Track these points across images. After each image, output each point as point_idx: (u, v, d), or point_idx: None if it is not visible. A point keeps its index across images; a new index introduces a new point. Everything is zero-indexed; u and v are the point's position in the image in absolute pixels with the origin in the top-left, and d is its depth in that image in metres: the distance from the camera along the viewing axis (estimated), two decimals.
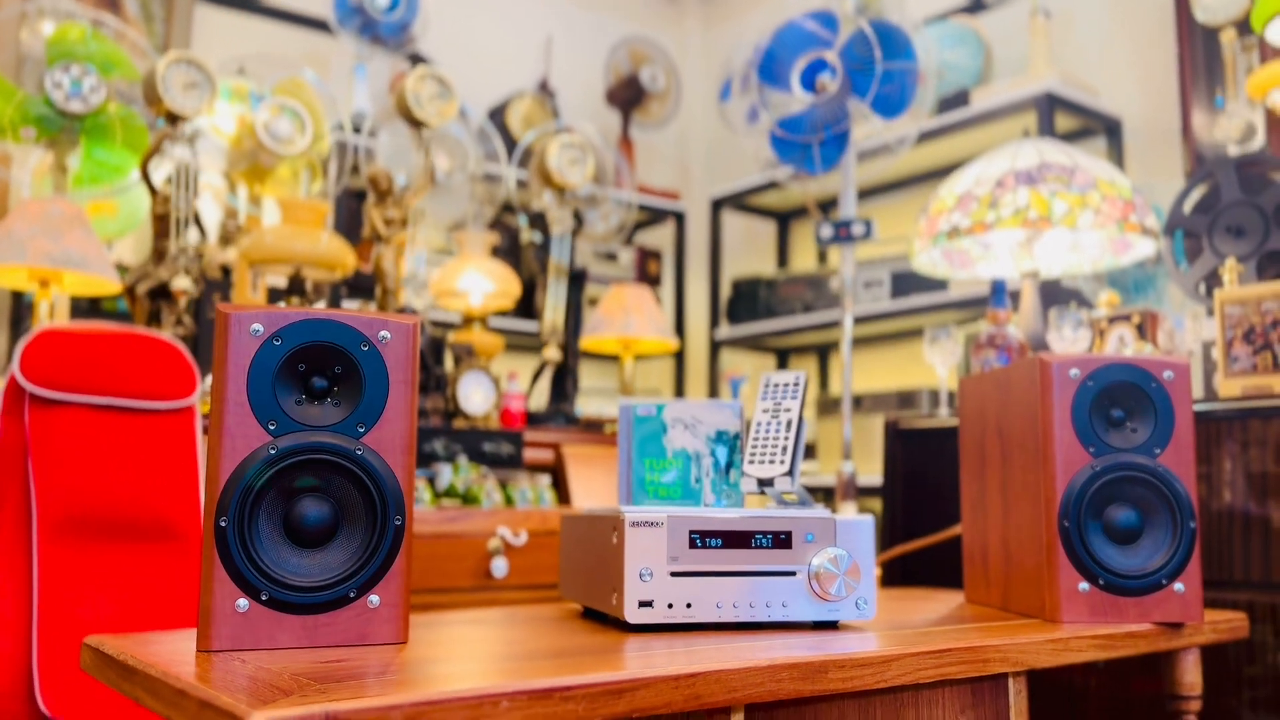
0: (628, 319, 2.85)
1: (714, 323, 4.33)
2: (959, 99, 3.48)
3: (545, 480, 2.35)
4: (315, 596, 0.90)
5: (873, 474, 3.39)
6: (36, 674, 1.75)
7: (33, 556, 1.84)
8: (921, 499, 2.13)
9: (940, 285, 3.55)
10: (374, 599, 0.92)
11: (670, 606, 1.02)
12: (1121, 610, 1.15)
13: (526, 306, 3.41)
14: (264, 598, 0.89)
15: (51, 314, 2.18)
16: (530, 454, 2.55)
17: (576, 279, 2.90)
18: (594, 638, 0.97)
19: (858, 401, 3.83)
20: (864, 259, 3.81)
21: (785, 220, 4.57)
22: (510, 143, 3.61)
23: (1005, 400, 1.27)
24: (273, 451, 0.90)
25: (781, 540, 1.06)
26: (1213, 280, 1.97)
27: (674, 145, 4.94)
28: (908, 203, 4.02)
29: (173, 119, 2.28)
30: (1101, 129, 3.44)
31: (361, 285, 3.38)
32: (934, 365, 2.14)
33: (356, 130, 3.10)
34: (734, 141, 4.74)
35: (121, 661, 0.86)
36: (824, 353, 4.38)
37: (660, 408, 1.27)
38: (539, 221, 2.94)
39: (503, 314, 3.26)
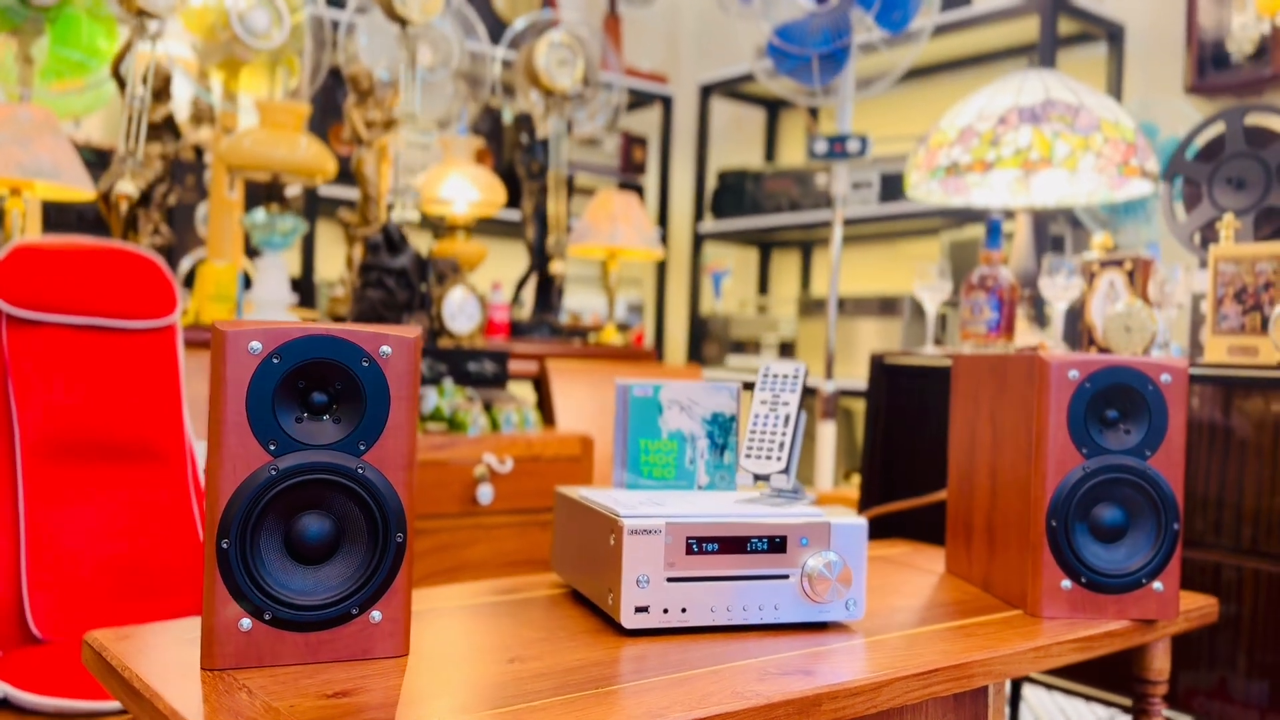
0: (614, 228, 2.80)
1: (698, 215, 4.27)
2: None
3: (530, 401, 2.35)
4: (318, 615, 0.91)
5: (849, 378, 3.42)
6: (27, 597, 1.77)
7: (17, 479, 1.83)
8: (903, 433, 2.16)
9: None
10: (376, 615, 0.93)
11: (665, 612, 1.04)
12: (1101, 607, 1.18)
13: (510, 197, 3.34)
14: (267, 617, 0.89)
15: (24, 223, 2.11)
16: (515, 365, 2.54)
17: (565, 186, 2.84)
18: (590, 649, 0.99)
19: (840, 304, 3.83)
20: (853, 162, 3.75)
21: (775, 109, 4.47)
22: (494, 21, 3.47)
23: (1000, 389, 1.27)
24: (274, 472, 0.89)
25: (776, 544, 1.07)
26: (1208, 231, 1.96)
27: (663, 23, 4.77)
28: (900, 99, 3.93)
29: (142, 15, 2.17)
30: (1104, 35, 3.36)
31: (344, 174, 3.30)
32: (923, 300, 2.13)
33: (338, 5, 2.96)
34: (725, 22, 4.59)
35: (125, 678, 0.87)
36: (808, 249, 4.35)
37: (657, 388, 1.27)
38: (525, 123, 2.85)
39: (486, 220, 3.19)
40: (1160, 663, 1.28)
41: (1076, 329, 2.22)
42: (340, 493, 0.92)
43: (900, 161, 3.57)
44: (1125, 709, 1.80)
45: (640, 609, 1.03)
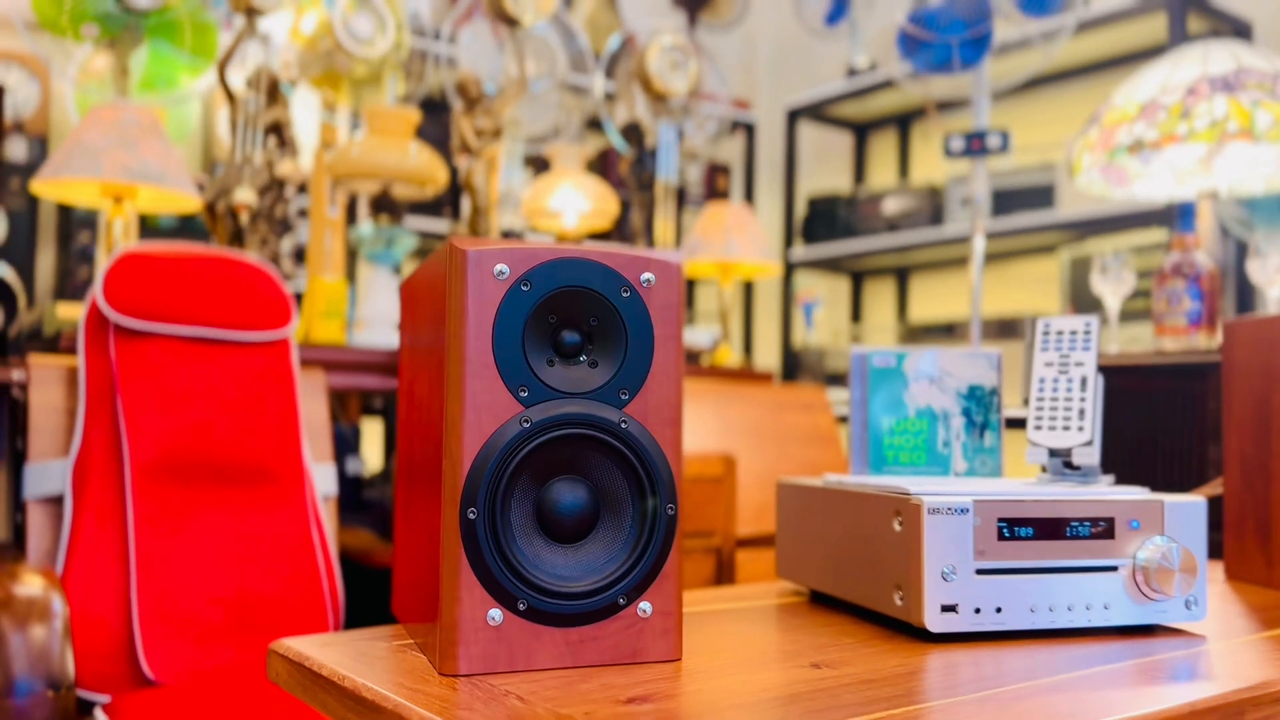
0: (728, 240, 2.63)
1: (788, 242, 4.10)
2: None
3: None
4: (581, 605, 0.72)
5: None
6: (139, 635, 1.59)
7: (127, 503, 1.67)
8: None
9: (1045, 203, 3.31)
10: (645, 607, 0.74)
11: (977, 612, 0.84)
12: None
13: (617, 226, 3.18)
14: (522, 607, 0.71)
15: (126, 233, 1.98)
16: None
17: (676, 197, 2.68)
18: (887, 655, 0.79)
19: (949, 329, 3.63)
20: (960, 174, 3.56)
21: (863, 132, 4.31)
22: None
23: None
24: (526, 425, 0.71)
25: (1101, 529, 0.87)
26: None
27: (741, 49, 4.65)
28: (1011, 109, 3.75)
29: (251, 14, 2.05)
30: (1230, 32, 3.17)
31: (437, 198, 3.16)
32: (1103, 296, 1.93)
33: (436, 36, 2.86)
34: (804, 47, 4.46)
35: (348, 688, 0.68)
36: (903, 275, 4.16)
37: (901, 357, 1.08)
38: (632, 134, 2.70)
39: (597, 234, 3.03)
40: None
41: None
42: (600, 452, 0.74)
43: (1014, 175, 3.39)
44: None
45: (947, 608, 0.83)
